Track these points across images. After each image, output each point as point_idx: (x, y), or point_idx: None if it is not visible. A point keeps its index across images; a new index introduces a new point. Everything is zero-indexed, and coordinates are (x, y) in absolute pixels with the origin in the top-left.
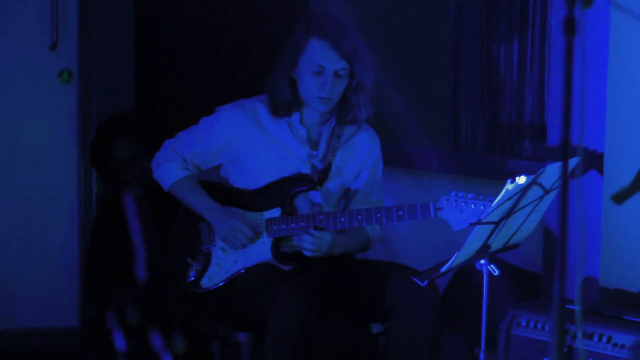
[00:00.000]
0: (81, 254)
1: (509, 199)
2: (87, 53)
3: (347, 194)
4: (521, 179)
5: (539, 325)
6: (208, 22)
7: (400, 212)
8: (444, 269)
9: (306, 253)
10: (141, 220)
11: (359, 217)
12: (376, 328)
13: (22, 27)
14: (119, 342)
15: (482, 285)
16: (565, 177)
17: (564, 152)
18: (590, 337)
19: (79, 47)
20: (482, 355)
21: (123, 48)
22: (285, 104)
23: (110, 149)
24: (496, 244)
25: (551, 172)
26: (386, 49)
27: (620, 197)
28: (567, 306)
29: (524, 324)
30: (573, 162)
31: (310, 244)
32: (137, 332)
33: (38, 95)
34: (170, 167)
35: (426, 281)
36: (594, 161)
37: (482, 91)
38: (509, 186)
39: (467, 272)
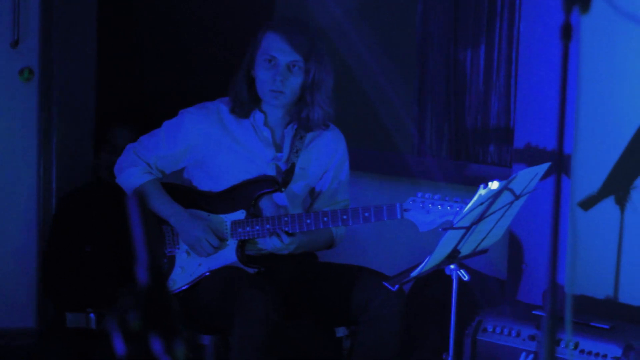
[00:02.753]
0: (39, 253)
1: (481, 204)
2: (48, 51)
3: (312, 194)
4: (494, 185)
5: (505, 331)
6: (173, 21)
7: (367, 214)
8: (414, 273)
9: (268, 249)
10: (144, 222)
11: (325, 219)
12: (341, 332)
13: None
14: (119, 346)
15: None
16: (559, 183)
17: (558, 157)
18: (557, 342)
19: (41, 45)
20: None
21: (85, 46)
22: (242, 103)
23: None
24: (466, 249)
25: (523, 178)
26: (352, 53)
27: (587, 203)
28: (534, 312)
29: (490, 329)
30: (544, 167)
31: (276, 247)
32: (137, 337)
33: None
34: (134, 172)
35: (397, 286)
36: (563, 165)
37: (447, 96)
38: (481, 191)
39: (429, 278)
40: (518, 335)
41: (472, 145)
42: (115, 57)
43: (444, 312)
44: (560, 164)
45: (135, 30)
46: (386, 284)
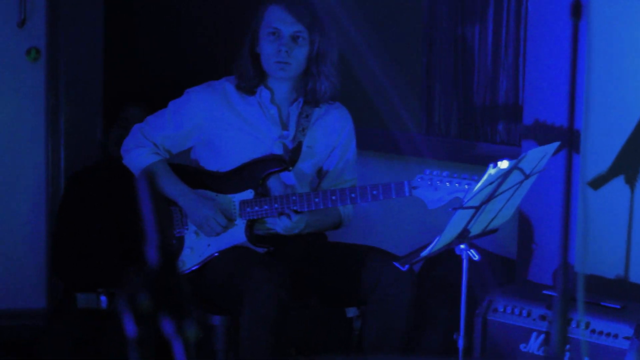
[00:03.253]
0: (48, 233)
1: (491, 183)
2: (55, 30)
3: (319, 173)
4: (503, 164)
5: (516, 311)
6: (179, 1)
7: (375, 192)
8: (424, 253)
9: (279, 230)
10: (154, 203)
11: (333, 198)
12: (351, 312)
13: None
14: (129, 327)
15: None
16: (570, 161)
17: (569, 136)
18: (568, 323)
19: (47, 25)
20: (461, 340)
21: (92, 25)
22: (248, 79)
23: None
24: (476, 228)
25: (532, 157)
26: (358, 31)
27: (597, 183)
28: (544, 292)
29: (500, 309)
30: (554, 146)
31: (284, 228)
32: (148, 317)
33: (5, 73)
34: (141, 153)
35: (407, 265)
36: (573, 144)
37: (455, 74)
38: (491, 170)
39: (439, 257)
40: (529, 315)
41: (481, 124)
42: (122, 35)
43: (455, 291)
44: (571, 142)
45: (143, 7)
46: (396, 264)
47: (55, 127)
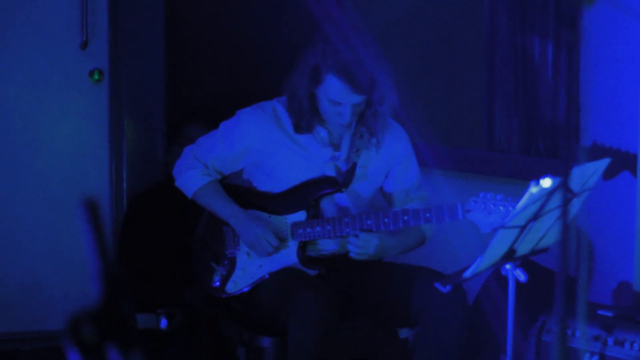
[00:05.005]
0: (113, 252)
1: (535, 202)
2: (117, 51)
3: (385, 195)
4: (546, 182)
5: (569, 331)
6: (238, 20)
7: (428, 215)
8: (467, 274)
9: (352, 255)
10: (95, 232)
11: (385, 220)
12: (404, 333)
13: (52, 25)
14: (73, 358)
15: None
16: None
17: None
18: (622, 344)
19: (110, 46)
20: None
21: (154, 45)
22: (307, 121)
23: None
24: (523, 248)
25: (579, 174)
26: (419, 46)
27: None
28: (600, 312)
29: (554, 329)
30: (604, 163)
31: (356, 246)
32: (93, 349)
33: (69, 95)
34: (193, 175)
35: (448, 286)
36: (628, 163)
37: (516, 89)
38: (532, 189)
39: (498, 278)
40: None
41: (542, 140)
42: (183, 55)
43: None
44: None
45: (203, 28)
46: (437, 285)
47: (118, 148)
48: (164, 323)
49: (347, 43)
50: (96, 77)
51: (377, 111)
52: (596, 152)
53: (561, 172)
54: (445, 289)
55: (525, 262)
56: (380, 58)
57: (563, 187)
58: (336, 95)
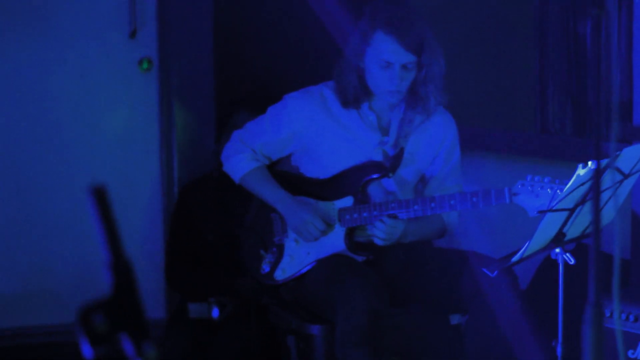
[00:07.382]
0: (165, 242)
1: (582, 184)
2: (166, 40)
3: (422, 180)
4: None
5: (623, 316)
6: (287, 5)
7: (475, 199)
8: (515, 258)
9: (377, 241)
10: (105, 220)
11: (432, 205)
12: (456, 319)
13: (101, 14)
14: (85, 349)
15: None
16: None
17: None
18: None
19: (158, 34)
20: (559, 348)
21: (202, 34)
22: (354, 96)
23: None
24: (573, 231)
25: (630, 155)
26: (470, 30)
27: None
28: None
29: (608, 314)
30: None
31: (382, 232)
32: (105, 339)
33: (118, 84)
34: (240, 159)
35: (496, 272)
36: None
37: (569, 71)
38: (580, 171)
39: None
40: (636, 320)
41: (596, 121)
42: (231, 41)
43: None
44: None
45: (252, 12)
46: (485, 270)
47: (169, 137)
48: (215, 312)
49: (394, 5)
50: (145, 66)
51: (427, 76)
52: None
53: (609, 154)
54: (493, 273)
55: (580, 246)
56: (431, 24)
57: (599, 171)
58: (385, 54)
